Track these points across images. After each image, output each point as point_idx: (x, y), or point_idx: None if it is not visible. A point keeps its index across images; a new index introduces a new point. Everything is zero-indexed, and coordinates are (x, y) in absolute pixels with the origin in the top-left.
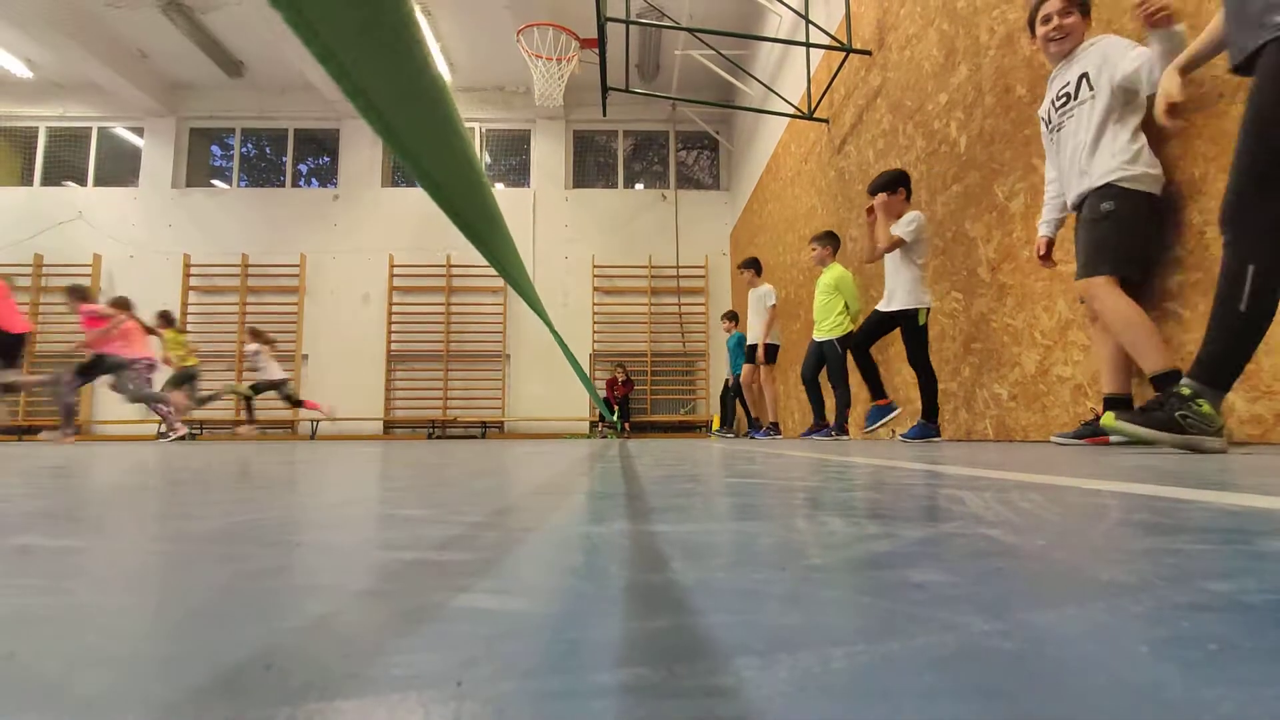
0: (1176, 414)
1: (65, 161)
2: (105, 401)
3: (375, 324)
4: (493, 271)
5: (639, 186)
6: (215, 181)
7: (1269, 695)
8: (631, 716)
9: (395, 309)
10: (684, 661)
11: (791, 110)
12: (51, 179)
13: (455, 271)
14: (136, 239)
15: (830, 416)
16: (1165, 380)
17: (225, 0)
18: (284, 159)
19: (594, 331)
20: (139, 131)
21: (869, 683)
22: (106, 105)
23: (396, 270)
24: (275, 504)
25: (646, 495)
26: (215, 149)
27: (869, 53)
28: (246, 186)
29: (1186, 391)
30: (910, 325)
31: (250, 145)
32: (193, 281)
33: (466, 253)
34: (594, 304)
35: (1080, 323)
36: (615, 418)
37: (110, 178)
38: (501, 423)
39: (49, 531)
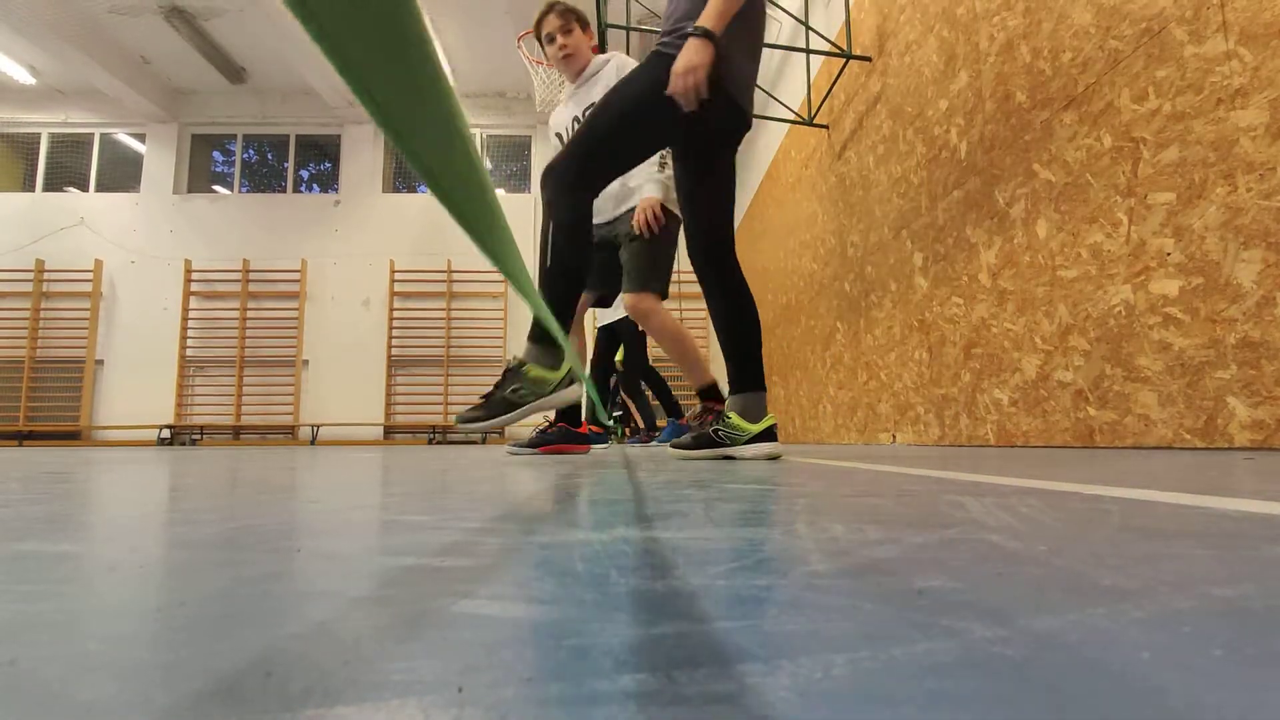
0: (510, 392)
1: (67, 167)
2: (106, 404)
3: (376, 329)
4: (494, 276)
5: None
6: (217, 187)
7: (1274, 701)
8: None
9: (396, 314)
10: (686, 668)
11: (791, 116)
12: (53, 185)
13: (456, 276)
14: (138, 245)
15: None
16: (708, 393)
17: (227, 7)
18: (285, 165)
19: (594, 336)
20: (141, 137)
21: (871, 689)
22: (108, 111)
23: (397, 275)
24: (276, 509)
25: (647, 501)
26: (217, 155)
27: (869, 59)
28: (248, 192)
29: (515, 362)
30: (632, 329)
31: (252, 151)
32: (194, 287)
33: (467, 258)
34: (594, 309)
35: (1080, 327)
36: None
37: (112, 183)
38: (502, 429)
39: (49, 536)
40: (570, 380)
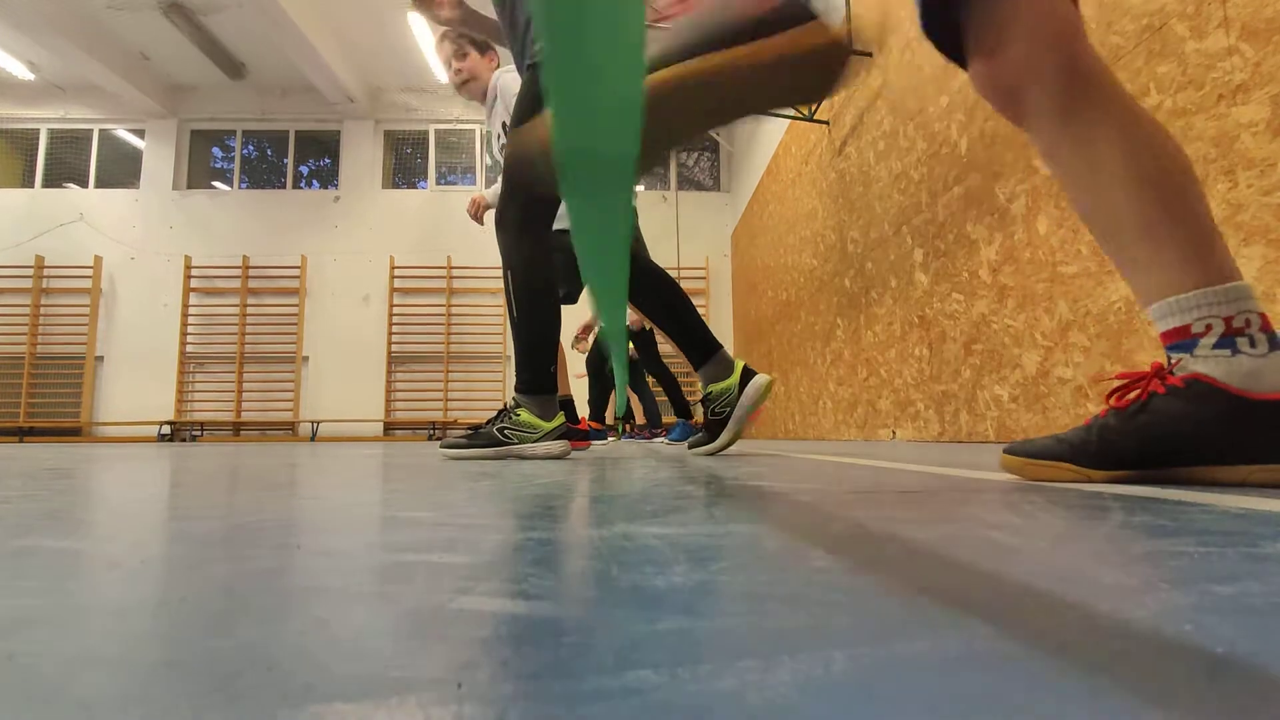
0: (496, 429)
1: (66, 163)
2: (106, 401)
3: (376, 325)
4: (493, 273)
5: (640, 188)
6: (216, 183)
7: (1276, 698)
8: (634, 719)
9: (396, 310)
10: (686, 664)
11: (791, 112)
12: (53, 181)
13: (456, 273)
14: (138, 241)
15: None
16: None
17: (226, 2)
18: (285, 161)
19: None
20: (140, 133)
21: (872, 685)
22: (108, 107)
23: (397, 271)
24: (276, 505)
25: (648, 497)
26: (216, 151)
27: (870, 55)
28: (247, 188)
29: (511, 404)
30: (647, 336)
31: (251, 147)
32: (193, 283)
33: (467, 254)
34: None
35: (1081, 323)
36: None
37: (111, 180)
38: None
39: (49, 533)
40: (559, 435)
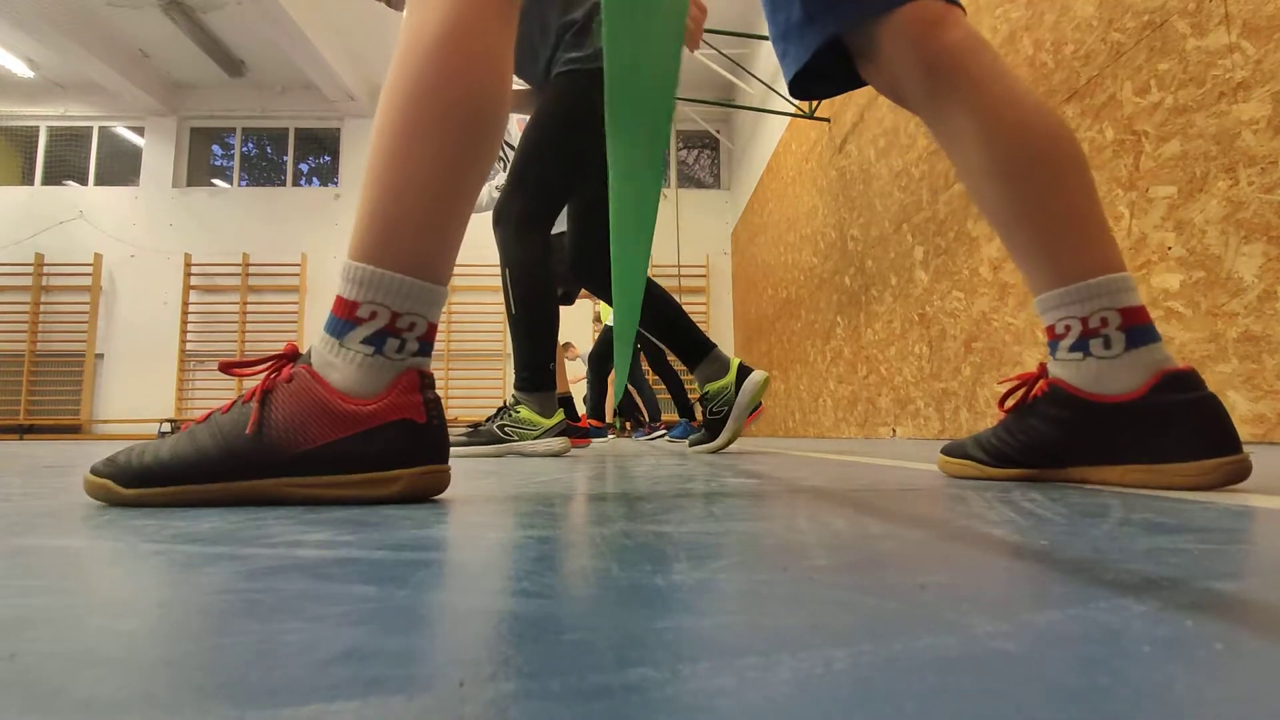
0: (496, 426)
1: (66, 161)
2: (106, 398)
3: None
4: (492, 270)
5: None
6: (216, 181)
7: (1275, 695)
8: (635, 717)
9: None
10: (687, 662)
11: (793, 110)
12: (52, 178)
13: (456, 271)
14: (137, 238)
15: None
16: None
17: (226, 0)
18: (285, 158)
19: (594, 331)
20: (140, 131)
21: (872, 683)
22: (107, 105)
23: None
24: (275, 503)
25: (648, 495)
26: (216, 148)
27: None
28: (247, 186)
29: (511, 401)
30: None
31: (251, 144)
32: (193, 280)
33: (467, 252)
34: (595, 303)
35: None
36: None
37: (111, 177)
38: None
39: (49, 531)
40: (560, 431)
